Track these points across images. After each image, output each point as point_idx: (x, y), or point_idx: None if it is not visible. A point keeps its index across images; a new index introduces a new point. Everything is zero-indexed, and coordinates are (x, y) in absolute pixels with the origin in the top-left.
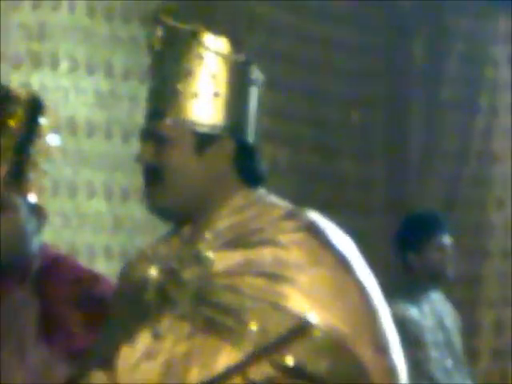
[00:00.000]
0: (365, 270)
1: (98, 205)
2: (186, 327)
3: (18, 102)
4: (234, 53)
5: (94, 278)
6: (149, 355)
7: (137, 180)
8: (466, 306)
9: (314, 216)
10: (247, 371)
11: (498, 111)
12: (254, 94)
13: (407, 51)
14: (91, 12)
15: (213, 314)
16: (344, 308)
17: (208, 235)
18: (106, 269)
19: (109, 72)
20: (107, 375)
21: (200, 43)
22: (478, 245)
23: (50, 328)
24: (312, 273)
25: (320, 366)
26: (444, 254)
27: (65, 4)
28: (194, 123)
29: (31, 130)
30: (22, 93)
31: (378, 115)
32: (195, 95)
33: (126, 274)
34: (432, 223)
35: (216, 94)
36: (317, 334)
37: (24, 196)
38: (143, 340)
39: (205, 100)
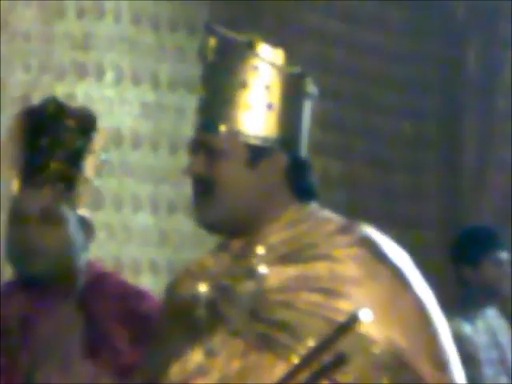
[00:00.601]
0: (422, 284)
1: (144, 218)
2: (239, 344)
3: (71, 116)
4: (289, 65)
5: (139, 295)
6: (201, 372)
7: (183, 193)
8: None
9: (368, 230)
10: None
11: None
12: (307, 107)
13: (460, 60)
14: (137, 21)
15: (267, 331)
16: (402, 323)
17: (260, 250)
18: (152, 284)
19: (155, 82)
20: None
21: (255, 54)
22: None
23: (95, 344)
24: (369, 287)
25: (380, 379)
26: (501, 269)
27: (110, 13)
28: (247, 135)
29: (84, 144)
30: (75, 108)
31: (431, 126)
32: (249, 107)
33: (172, 291)
34: (489, 238)
35: (269, 106)
36: (375, 349)
37: (74, 210)
38: (195, 357)
39: (258, 112)
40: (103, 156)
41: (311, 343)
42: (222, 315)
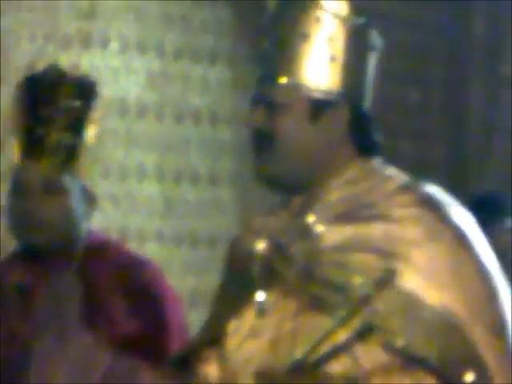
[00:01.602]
0: (486, 249)
1: (149, 188)
2: (292, 304)
3: (71, 84)
4: (353, 16)
5: (141, 265)
6: (254, 333)
7: (189, 162)
8: None
9: (433, 189)
10: (358, 356)
11: None
12: (372, 60)
13: (466, 27)
14: None
15: (320, 291)
16: (461, 288)
17: (318, 208)
18: (157, 253)
19: (160, 52)
20: (217, 353)
21: (317, 5)
22: None
23: (92, 314)
24: (428, 250)
25: (431, 348)
26: (510, 236)
27: None
28: (308, 88)
29: (85, 113)
30: (76, 75)
31: (437, 93)
32: (311, 59)
33: (233, 247)
34: (497, 205)
35: (333, 58)
36: (427, 314)
37: (76, 179)
38: (249, 317)
39: (321, 64)
40: (105, 124)
41: (359, 290)
42: (277, 274)
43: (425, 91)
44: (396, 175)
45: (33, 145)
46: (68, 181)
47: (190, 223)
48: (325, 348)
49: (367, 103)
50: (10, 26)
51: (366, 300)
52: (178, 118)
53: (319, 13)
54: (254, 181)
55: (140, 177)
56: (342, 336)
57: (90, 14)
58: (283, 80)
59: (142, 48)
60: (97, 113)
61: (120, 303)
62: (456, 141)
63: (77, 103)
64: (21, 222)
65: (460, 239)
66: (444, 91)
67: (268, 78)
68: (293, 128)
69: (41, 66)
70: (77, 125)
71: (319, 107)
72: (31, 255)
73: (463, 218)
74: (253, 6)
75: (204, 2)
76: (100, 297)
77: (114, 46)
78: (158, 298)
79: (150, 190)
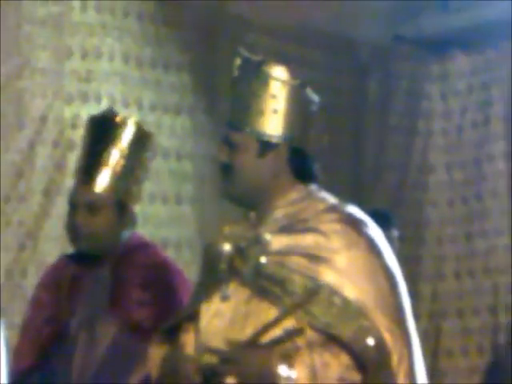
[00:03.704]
0: (391, 256)
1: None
2: (246, 293)
3: (124, 125)
4: (291, 79)
5: (166, 266)
6: (219, 313)
7: (160, 187)
8: (408, 281)
9: (352, 209)
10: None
11: (433, 134)
12: (307, 111)
13: (364, 90)
14: (126, 60)
15: (266, 284)
16: (370, 286)
17: (267, 221)
18: None
19: (139, 106)
20: (193, 326)
21: (265, 72)
22: (419, 234)
23: (115, 303)
24: (346, 256)
25: (344, 329)
26: (392, 244)
27: (106, 54)
28: (257, 133)
29: (133, 148)
30: (129, 118)
31: (344, 139)
32: (260, 112)
33: (208, 248)
34: (386, 218)
35: (275, 111)
36: (342, 302)
37: (119, 201)
38: (215, 301)
39: (266, 115)
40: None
41: (296, 296)
42: (236, 269)
43: (333, 136)
44: (326, 198)
45: (86, 172)
46: (110, 202)
47: (161, 232)
48: (273, 332)
49: (303, 143)
50: (27, 86)
51: (301, 304)
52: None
53: (266, 77)
54: (210, 201)
55: None
56: (287, 323)
57: (87, 78)
58: (240, 127)
59: (125, 103)
60: (147, 150)
61: (137, 296)
62: (354, 171)
63: (126, 140)
64: (72, 233)
65: (371, 248)
66: (348, 136)
67: (230, 126)
68: (246, 162)
69: (50, 116)
70: (124, 158)
71: (265, 147)
72: (79, 256)
73: (374, 231)
74: (209, 72)
75: (172, 68)
76: (123, 290)
77: (105, 101)
78: (177, 296)
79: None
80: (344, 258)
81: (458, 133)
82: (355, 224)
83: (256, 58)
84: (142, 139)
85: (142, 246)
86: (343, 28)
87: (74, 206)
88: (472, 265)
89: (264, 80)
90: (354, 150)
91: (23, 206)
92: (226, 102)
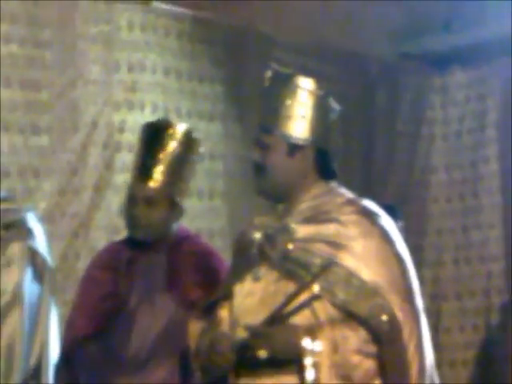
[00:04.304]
0: (402, 244)
1: None
2: (275, 275)
3: (176, 131)
4: (317, 89)
5: (210, 253)
6: (251, 293)
7: (196, 184)
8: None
9: (367, 203)
10: (316, 311)
11: (435, 139)
12: (331, 117)
13: (374, 100)
14: (166, 73)
15: (292, 267)
16: (384, 269)
17: (293, 213)
18: None
19: (178, 113)
20: (228, 304)
21: (294, 83)
22: (421, 226)
23: (172, 284)
24: (362, 243)
25: (361, 306)
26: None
27: (149, 67)
28: (287, 136)
29: (183, 152)
30: (180, 126)
31: (356, 143)
32: (290, 117)
33: (240, 236)
34: (392, 212)
35: (303, 117)
36: (361, 283)
37: (171, 196)
38: (248, 282)
39: (295, 120)
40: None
41: (313, 272)
42: (266, 255)
43: (348, 140)
44: (345, 193)
45: (143, 171)
46: (164, 197)
47: (196, 223)
48: (292, 305)
49: (328, 144)
50: (81, 95)
51: (317, 276)
52: None
53: (295, 87)
54: (239, 196)
55: None
56: (304, 296)
57: (133, 88)
58: (271, 131)
59: (165, 110)
60: (194, 152)
61: (192, 278)
62: (366, 173)
63: (177, 145)
64: (130, 222)
65: (384, 236)
66: (360, 140)
67: (263, 129)
68: (277, 161)
69: (101, 121)
70: (175, 160)
71: (293, 148)
72: (135, 242)
73: (387, 222)
74: (238, 84)
75: (206, 80)
76: (178, 273)
77: (148, 109)
78: (220, 279)
79: None
80: (360, 245)
81: (457, 138)
82: (370, 215)
83: (286, 71)
84: (190, 144)
85: (190, 236)
86: (356, 46)
87: (132, 199)
88: (468, 253)
89: (293, 90)
90: (365, 153)
91: (76, 200)
92: (253, 109)
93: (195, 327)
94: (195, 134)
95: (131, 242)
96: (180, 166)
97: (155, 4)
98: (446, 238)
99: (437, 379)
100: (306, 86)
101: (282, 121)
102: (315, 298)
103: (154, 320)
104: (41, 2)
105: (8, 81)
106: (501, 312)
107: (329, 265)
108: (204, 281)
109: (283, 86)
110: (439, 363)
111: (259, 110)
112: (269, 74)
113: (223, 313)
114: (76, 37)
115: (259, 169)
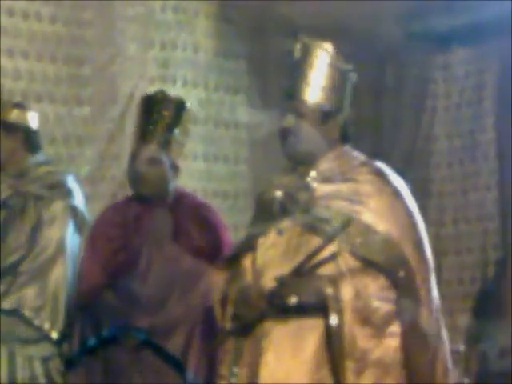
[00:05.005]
0: (411, 199)
1: (198, 165)
2: (297, 229)
3: (171, 102)
4: (344, 63)
5: (207, 208)
6: (274, 245)
7: (222, 150)
8: None
9: (380, 164)
10: (339, 262)
11: (437, 111)
12: (350, 88)
13: (383, 75)
14: (195, 50)
15: (314, 222)
16: (396, 221)
17: (313, 173)
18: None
19: (206, 87)
20: (251, 256)
21: (323, 55)
22: (425, 189)
23: (178, 234)
24: (377, 199)
25: (379, 256)
26: None
27: (180, 45)
28: (319, 104)
29: (177, 119)
30: (172, 97)
31: (366, 115)
32: (322, 88)
33: (261, 194)
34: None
35: (333, 87)
36: (377, 235)
37: (168, 157)
38: (271, 235)
39: (328, 91)
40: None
41: (335, 227)
42: (288, 211)
43: (359, 112)
44: (359, 155)
45: (144, 135)
46: (164, 158)
47: (223, 186)
48: (317, 258)
49: (347, 114)
50: (119, 70)
51: (339, 230)
52: (216, 124)
53: (325, 60)
54: (261, 161)
55: (195, 158)
56: (330, 249)
57: (165, 64)
58: (305, 99)
59: (195, 84)
60: (186, 120)
61: (195, 228)
62: (375, 142)
63: (172, 113)
64: (134, 180)
65: (395, 194)
66: (370, 112)
67: (296, 97)
68: (311, 127)
69: (137, 94)
70: (171, 126)
71: (325, 116)
72: (141, 199)
73: (397, 181)
74: (261, 59)
75: (232, 56)
76: (183, 224)
77: (179, 83)
78: (217, 228)
79: (199, 166)
80: (375, 201)
81: (457, 109)
82: (383, 175)
83: (315, 43)
84: (184, 112)
85: (187, 193)
86: (367, 26)
87: (136, 159)
88: (467, 213)
89: (323, 61)
90: (374, 124)
91: (115, 164)
92: (274, 82)
93: (219, 277)
94: (187, 104)
95: (135, 200)
96: (175, 131)
97: None
98: (446, 200)
99: (442, 320)
100: (335, 59)
101: (316, 91)
102: (335, 255)
103: (166, 265)
104: None
105: (54, 57)
106: (496, 266)
107: (349, 221)
108: (204, 230)
109: (314, 57)
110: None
111: (280, 83)
112: (298, 45)
113: (247, 263)
114: (115, 17)
115: (290, 134)
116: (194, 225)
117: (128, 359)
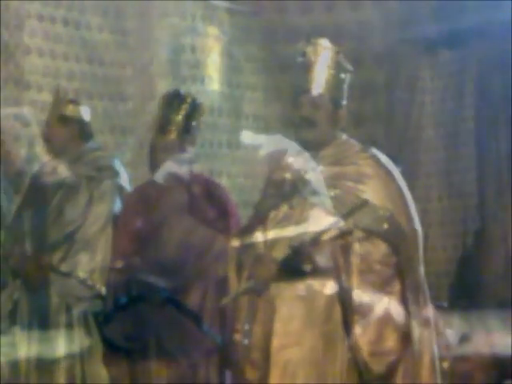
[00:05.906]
0: (403, 181)
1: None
2: (306, 204)
3: (185, 100)
4: (349, 66)
5: (215, 185)
6: (286, 218)
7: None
8: None
9: (375, 150)
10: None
11: (425, 104)
12: (347, 86)
13: (378, 74)
14: (221, 54)
15: (321, 199)
16: (391, 198)
17: (321, 156)
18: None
19: (229, 84)
20: (263, 226)
21: (331, 55)
22: (414, 171)
23: (193, 209)
24: (375, 180)
25: (380, 227)
26: None
27: (207, 50)
28: (331, 97)
29: (191, 113)
30: (188, 95)
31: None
32: (334, 85)
33: (271, 175)
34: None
35: (342, 82)
36: (380, 210)
37: (183, 146)
38: (283, 209)
39: (338, 87)
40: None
41: (347, 207)
42: (298, 190)
43: (361, 104)
44: (357, 143)
45: (162, 127)
46: (177, 146)
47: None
48: (331, 232)
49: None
50: (156, 72)
51: (353, 211)
52: (237, 116)
53: (332, 59)
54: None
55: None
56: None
57: (195, 66)
58: (320, 92)
59: (219, 83)
60: (198, 116)
61: (206, 202)
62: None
63: (186, 108)
64: (153, 166)
65: (389, 176)
66: (368, 106)
67: (312, 91)
68: (325, 117)
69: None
70: (186, 119)
71: (336, 106)
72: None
73: (389, 164)
74: (275, 61)
75: (251, 60)
76: (195, 199)
77: (206, 82)
78: (226, 203)
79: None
80: (373, 181)
81: (442, 103)
82: (377, 160)
83: (326, 46)
84: (196, 108)
85: (198, 174)
86: (364, 32)
87: (154, 148)
88: (450, 191)
89: (336, 64)
90: (372, 114)
91: None
92: (287, 80)
93: (233, 247)
94: (198, 101)
95: (153, 183)
96: (188, 124)
97: (212, 2)
98: (432, 180)
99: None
100: (341, 60)
101: (329, 86)
102: (351, 231)
103: (183, 234)
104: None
105: (101, 61)
106: (474, 236)
107: (365, 202)
108: (215, 205)
109: (325, 57)
110: (428, 274)
111: (290, 80)
112: (309, 48)
113: (259, 234)
114: (152, 26)
115: (308, 122)
116: (206, 201)
117: (154, 314)
